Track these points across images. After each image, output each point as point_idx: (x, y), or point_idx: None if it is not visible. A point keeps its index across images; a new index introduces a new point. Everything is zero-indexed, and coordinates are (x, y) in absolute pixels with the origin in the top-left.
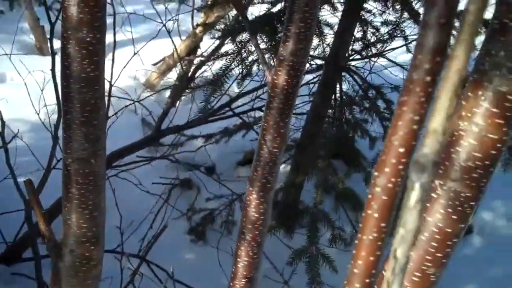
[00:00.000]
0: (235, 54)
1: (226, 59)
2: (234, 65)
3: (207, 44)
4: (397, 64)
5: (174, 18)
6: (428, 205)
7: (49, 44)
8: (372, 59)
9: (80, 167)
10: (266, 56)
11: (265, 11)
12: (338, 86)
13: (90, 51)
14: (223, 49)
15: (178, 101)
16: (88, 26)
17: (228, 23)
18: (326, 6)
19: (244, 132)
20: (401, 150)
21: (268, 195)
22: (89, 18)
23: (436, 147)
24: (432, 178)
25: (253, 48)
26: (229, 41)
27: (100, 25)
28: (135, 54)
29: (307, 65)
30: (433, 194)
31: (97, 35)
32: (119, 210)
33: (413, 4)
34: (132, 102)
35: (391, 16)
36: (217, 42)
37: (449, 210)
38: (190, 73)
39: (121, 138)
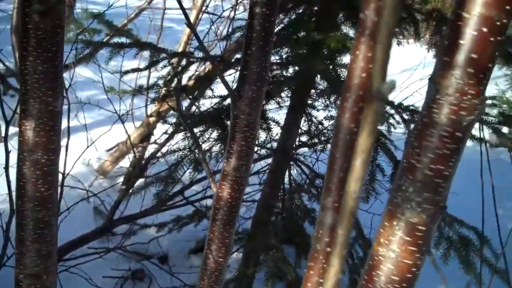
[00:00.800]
0: (187, 150)
1: (178, 155)
2: (186, 160)
3: (161, 130)
4: None
5: (129, 111)
6: None
7: (3, 142)
8: (318, 149)
9: (32, 283)
10: (218, 146)
11: (216, 104)
12: (287, 174)
13: (44, 172)
14: (176, 137)
15: (131, 190)
16: (44, 149)
17: (183, 112)
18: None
19: (196, 222)
20: None
21: None
22: (45, 141)
23: None
24: None
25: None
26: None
27: (55, 147)
28: (90, 145)
29: (255, 155)
30: None
31: (52, 157)
32: None
33: None
34: (86, 195)
35: (333, 112)
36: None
37: None
38: (143, 161)
39: (72, 227)
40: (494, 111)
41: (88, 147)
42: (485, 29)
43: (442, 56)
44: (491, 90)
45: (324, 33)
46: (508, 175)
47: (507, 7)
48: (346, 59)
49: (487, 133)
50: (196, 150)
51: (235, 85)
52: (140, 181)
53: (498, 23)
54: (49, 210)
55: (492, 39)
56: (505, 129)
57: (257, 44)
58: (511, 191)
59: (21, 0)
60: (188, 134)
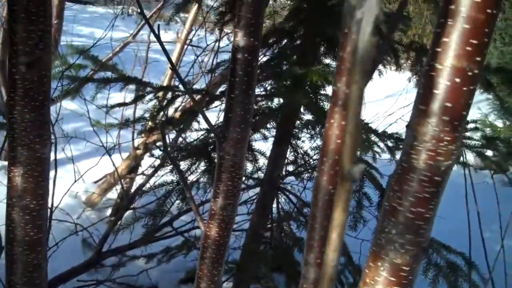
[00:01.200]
0: (174, 184)
1: (166, 188)
2: (174, 193)
3: (148, 162)
4: None
5: (116, 145)
6: None
7: None
8: (305, 178)
9: None
10: (205, 177)
11: (202, 135)
12: (275, 203)
13: (33, 216)
14: (164, 169)
15: (119, 222)
16: (32, 194)
17: (168, 148)
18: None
19: (186, 252)
20: None
21: None
22: (33, 187)
23: None
24: None
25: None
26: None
27: (44, 192)
28: (78, 179)
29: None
30: None
31: (40, 202)
32: None
33: None
34: (74, 227)
35: (319, 141)
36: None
37: None
38: (131, 193)
39: (61, 260)
40: (478, 135)
41: (76, 181)
42: (458, 80)
43: (418, 105)
44: (473, 114)
45: (306, 67)
46: (494, 197)
47: (478, 59)
48: (329, 90)
49: (471, 157)
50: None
51: (221, 117)
52: (129, 212)
53: (470, 73)
54: (39, 253)
55: (465, 88)
56: (489, 152)
57: (240, 88)
58: (496, 214)
59: (5, 37)
60: (175, 170)
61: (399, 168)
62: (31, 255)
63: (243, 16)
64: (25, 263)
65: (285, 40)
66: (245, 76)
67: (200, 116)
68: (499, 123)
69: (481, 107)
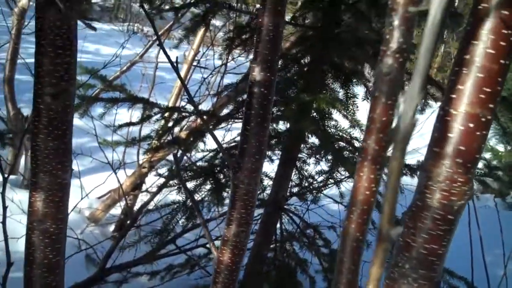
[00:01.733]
0: (181, 203)
1: (172, 208)
2: (179, 211)
3: (153, 179)
4: (334, 201)
5: (121, 163)
6: None
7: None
8: (308, 200)
9: None
10: (210, 196)
11: (208, 155)
12: (278, 224)
13: (53, 239)
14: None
15: (123, 239)
16: (53, 218)
17: (173, 168)
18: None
19: (189, 270)
20: None
21: None
22: (54, 211)
23: None
24: None
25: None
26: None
27: (63, 216)
28: (85, 196)
29: None
30: None
31: (60, 225)
32: None
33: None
34: (77, 242)
35: (325, 166)
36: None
37: None
38: (135, 210)
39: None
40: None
41: (82, 198)
42: (471, 125)
43: (432, 147)
44: None
45: (313, 93)
46: (495, 221)
47: (491, 106)
48: (336, 116)
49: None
50: (188, 201)
51: (226, 137)
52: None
53: (483, 119)
54: (57, 275)
55: (478, 133)
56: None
57: (255, 121)
58: (498, 238)
59: (13, 53)
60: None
61: (414, 206)
62: (49, 277)
63: (260, 53)
64: (44, 285)
65: (292, 65)
66: (261, 109)
67: (206, 136)
68: (500, 148)
69: None
